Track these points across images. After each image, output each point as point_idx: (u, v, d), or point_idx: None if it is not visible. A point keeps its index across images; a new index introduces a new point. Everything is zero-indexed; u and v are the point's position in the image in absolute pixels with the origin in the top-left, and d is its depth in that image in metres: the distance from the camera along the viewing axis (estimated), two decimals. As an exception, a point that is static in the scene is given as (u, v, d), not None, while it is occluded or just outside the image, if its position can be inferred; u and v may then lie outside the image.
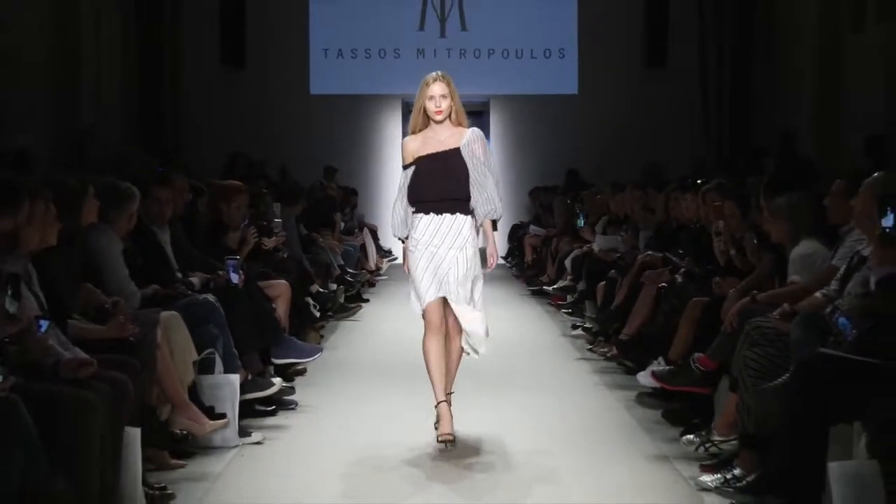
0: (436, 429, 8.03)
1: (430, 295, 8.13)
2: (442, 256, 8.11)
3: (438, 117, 8.15)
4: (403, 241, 8.47)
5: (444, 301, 8.20)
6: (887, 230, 6.35)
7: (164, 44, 21.50)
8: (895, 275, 6.19)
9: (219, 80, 22.79)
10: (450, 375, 8.29)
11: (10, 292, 5.96)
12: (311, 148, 22.18)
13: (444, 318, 8.20)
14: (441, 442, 7.85)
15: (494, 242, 8.41)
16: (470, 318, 8.26)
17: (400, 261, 8.68)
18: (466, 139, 8.17)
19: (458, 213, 8.18)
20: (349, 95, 22.96)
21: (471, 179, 8.17)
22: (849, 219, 7.46)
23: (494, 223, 8.41)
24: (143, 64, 20.87)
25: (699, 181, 11.84)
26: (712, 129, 22.40)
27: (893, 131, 14.44)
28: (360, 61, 23.38)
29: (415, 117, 8.30)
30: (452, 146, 8.16)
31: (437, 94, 8.10)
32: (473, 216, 8.30)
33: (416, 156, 8.22)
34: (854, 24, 17.59)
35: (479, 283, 8.37)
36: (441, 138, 8.19)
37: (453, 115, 8.22)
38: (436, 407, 8.07)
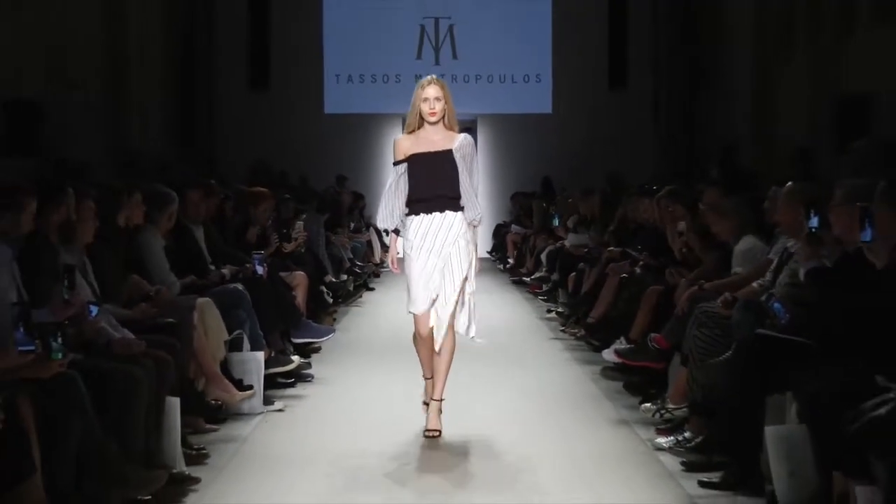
0: (425, 404, 7.59)
1: (423, 305, 7.40)
2: (434, 262, 7.36)
3: (432, 119, 7.44)
4: (387, 234, 7.82)
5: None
6: (813, 230, 6.39)
7: (200, 69, 21.51)
8: (820, 268, 6.21)
9: (247, 101, 22.78)
10: (440, 379, 7.51)
11: (66, 282, 5.97)
12: (325, 159, 22.16)
13: (431, 329, 7.49)
14: (428, 437, 7.29)
15: (476, 248, 7.63)
16: (455, 321, 7.52)
17: (401, 254, 7.56)
18: (459, 142, 7.48)
19: (448, 211, 7.46)
20: (357, 114, 22.92)
21: (461, 181, 7.47)
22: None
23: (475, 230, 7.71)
24: (182, 86, 20.87)
25: (654, 187, 11.84)
26: (664, 142, 22.46)
27: (817, 145, 14.43)
28: (366, 85, 23.35)
29: (410, 118, 7.58)
30: (444, 147, 7.46)
31: (431, 97, 7.42)
32: (464, 213, 7.55)
33: (407, 154, 7.49)
34: (783, 55, 17.60)
35: (471, 286, 7.54)
36: (434, 139, 7.47)
37: (446, 119, 7.52)
38: (425, 385, 7.64)
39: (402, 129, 7.54)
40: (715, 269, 8.36)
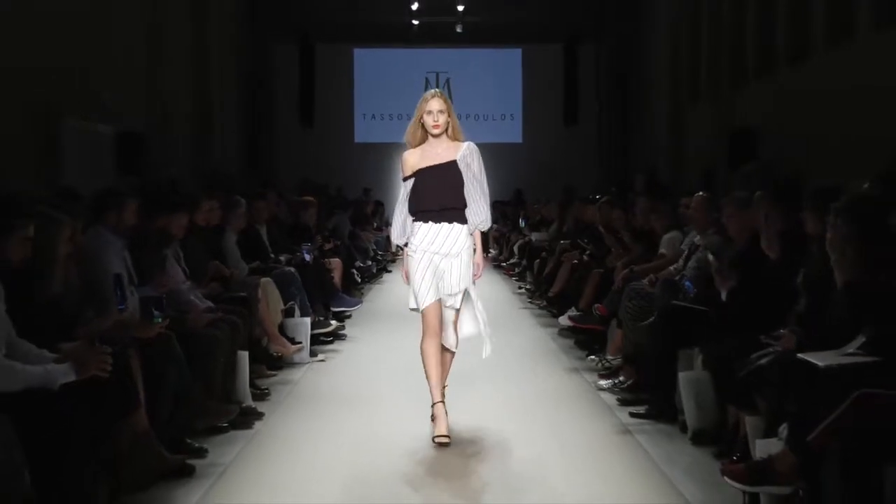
0: (432, 420, 5.87)
1: (430, 298, 5.90)
2: (438, 262, 5.91)
3: (436, 131, 5.91)
4: (402, 248, 6.19)
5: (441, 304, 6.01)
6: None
7: (263, 111, 21.56)
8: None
9: (297, 134, 22.83)
10: (444, 369, 6.05)
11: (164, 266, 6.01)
12: (355, 176, 22.15)
13: (441, 320, 5.96)
14: (437, 443, 5.60)
15: (482, 252, 6.20)
16: (462, 324, 6.09)
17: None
18: (462, 152, 5.95)
19: (455, 223, 5.91)
20: (379, 143, 22.88)
21: (465, 190, 5.94)
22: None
23: (484, 234, 6.31)
24: (249, 124, 20.91)
25: (597, 197, 11.84)
26: (604, 164, 22.53)
27: (716, 166, 14.44)
28: (385, 122, 23.34)
29: (413, 131, 6.03)
30: (449, 159, 5.93)
31: (434, 110, 5.91)
32: (468, 225, 6.01)
33: (415, 168, 5.96)
34: (691, 100, 17.60)
35: (473, 291, 6.07)
36: (438, 151, 5.95)
37: (450, 130, 6.00)
38: (432, 407, 5.85)
39: (405, 141, 6.11)
40: (640, 255, 8.40)
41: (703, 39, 16.63)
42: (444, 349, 5.99)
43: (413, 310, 6.05)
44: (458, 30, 22.62)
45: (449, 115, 5.95)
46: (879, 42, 10.35)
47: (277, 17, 21.74)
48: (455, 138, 6.01)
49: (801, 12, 12.46)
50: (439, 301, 5.91)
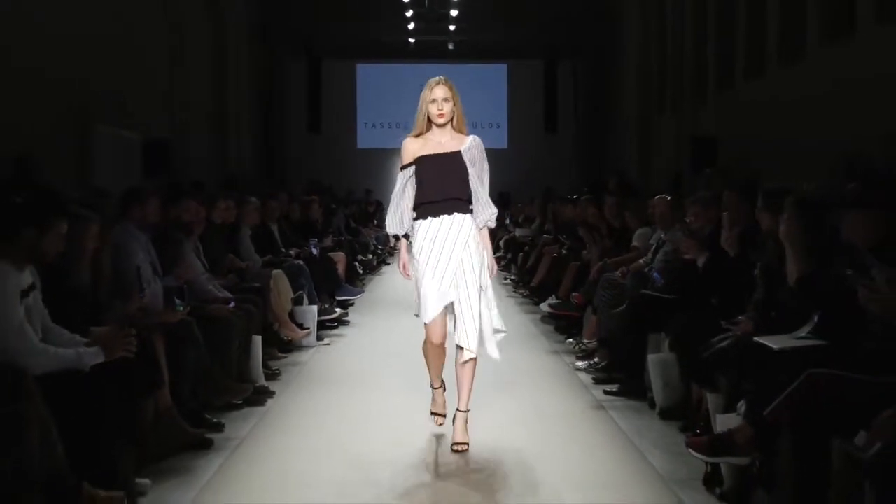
0: (433, 414, 5.26)
1: (434, 311, 4.89)
2: (445, 268, 4.91)
3: (440, 120, 4.96)
4: (397, 239, 5.19)
5: (446, 313, 4.99)
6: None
7: (275, 119, 21.55)
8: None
9: (305, 140, 22.79)
10: (465, 389, 4.97)
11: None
12: (358, 178, 22.14)
13: (445, 334, 5.00)
14: (456, 451, 4.84)
15: (491, 252, 5.26)
16: (479, 332, 4.96)
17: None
18: (468, 144, 5.01)
19: (456, 213, 4.98)
20: (379, 148, 22.87)
21: (470, 184, 5.02)
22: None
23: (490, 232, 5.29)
24: (263, 130, 20.90)
25: (574, 197, 11.83)
26: (581, 167, 22.51)
27: (681, 170, 14.42)
28: (385, 129, 23.31)
29: (418, 120, 5.04)
30: (453, 149, 4.99)
31: (439, 98, 4.95)
32: (473, 216, 5.07)
33: (416, 156, 5.00)
34: (658, 110, 17.58)
35: (490, 292, 5.10)
36: (442, 141, 5.00)
37: (455, 121, 5.04)
38: (432, 388, 5.21)
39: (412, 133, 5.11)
40: (612, 248, 8.39)
41: (669, 57, 16.63)
42: (461, 355, 4.94)
43: (418, 316, 5.07)
44: (451, 47, 22.62)
45: (454, 105, 5.01)
46: (827, 58, 10.35)
47: (288, 36, 21.75)
48: (459, 130, 5.08)
49: (756, 34, 12.46)
50: (445, 314, 4.94)
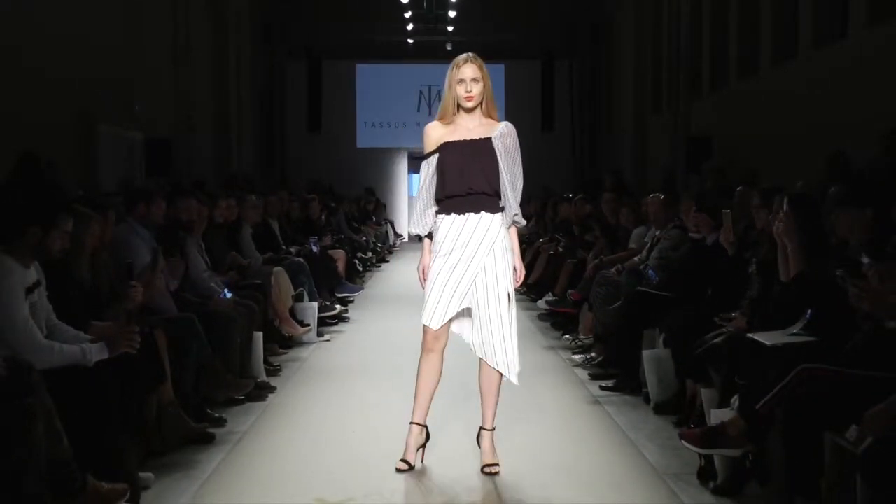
0: (403, 462, 4.39)
1: (442, 317, 4.24)
2: (463, 272, 4.21)
3: (469, 104, 4.22)
4: (420, 239, 4.47)
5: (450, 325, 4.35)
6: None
7: (276, 119, 21.57)
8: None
9: (306, 139, 22.75)
10: (489, 405, 4.39)
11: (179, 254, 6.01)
12: (358, 177, 22.12)
13: (446, 343, 4.37)
14: (487, 473, 4.31)
15: (519, 255, 4.47)
16: (502, 349, 4.33)
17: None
18: (500, 130, 4.28)
19: (483, 212, 4.22)
20: (379, 148, 22.88)
21: (501, 176, 4.24)
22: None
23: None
24: (264, 130, 20.92)
25: (571, 195, 11.84)
26: (578, 166, 22.55)
27: (675, 168, 14.45)
28: (384, 129, 23.30)
29: (446, 105, 4.27)
30: (483, 135, 4.26)
31: (467, 78, 4.21)
32: (503, 215, 4.29)
33: (440, 142, 4.26)
34: (653, 110, 17.59)
35: (513, 304, 4.35)
36: (470, 126, 4.28)
37: (484, 105, 4.29)
38: (411, 424, 4.41)
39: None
40: (608, 245, 8.40)
41: (664, 57, 16.63)
42: (486, 369, 4.37)
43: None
44: (448, 48, 22.58)
45: (485, 86, 4.29)
46: (819, 58, 10.36)
47: (289, 37, 21.76)
48: (489, 115, 4.35)
49: (750, 34, 12.47)
50: (449, 325, 4.33)
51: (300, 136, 22.68)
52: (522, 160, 4.33)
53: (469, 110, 4.29)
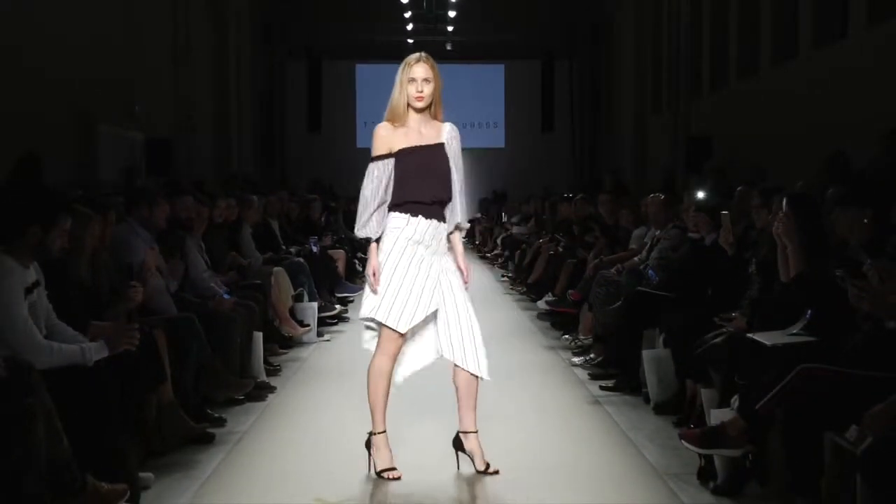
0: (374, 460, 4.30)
1: (410, 320, 4.15)
2: (427, 271, 4.16)
3: (419, 104, 4.14)
4: (367, 242, 4.27)
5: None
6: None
7: (276, 119, 21.59)
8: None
9: (306, 139, 22.81)
10: (470, 407, 4.28)
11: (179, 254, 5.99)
12: (357, 177, 21.97)
13: (397, 352, 4.31)
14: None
15: (463, 253, 4.42)
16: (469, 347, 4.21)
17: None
18: (448, 133, 4.24)
19: (440, 221, 4.23)
20: (378, 148, 22.96)
21: (453, 183, 4.25)
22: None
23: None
24: (264, 130, 20.93)
25: (570, 195, 11.84)
26: (577, 166, 22.56)
27: (678, 169, 14.44)
28: (384, 129, 23.35)
29: (396, 105, 4.21)
30: (435, 140, 4.21)
31: (419, 77, 4.12)
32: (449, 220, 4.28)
33: (394, 148, 4.18)
34: (653, 110, 17.59)
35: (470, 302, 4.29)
36: (422, 131, 4.21)
37: (433, 106, 4.21)
38: (371, 435, 4.30)
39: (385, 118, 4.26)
40: (607, 245, 8.40)
41: (664, 57, 16.63)
42: (461, 374, 4.25)
43: (369, 321, 4.28)
44: (448, 48, 22.61)
45: (435, 88, 4.18)
46: (819, 58, 10.36)
47: (289, 37, 21.77)
48: (436, 116, 4.27)
49: (750, 34, 12.47)
50: (407, 334, 4.22)
51: (300, 136, 22.71)
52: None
53: (419, 110, 4.22)
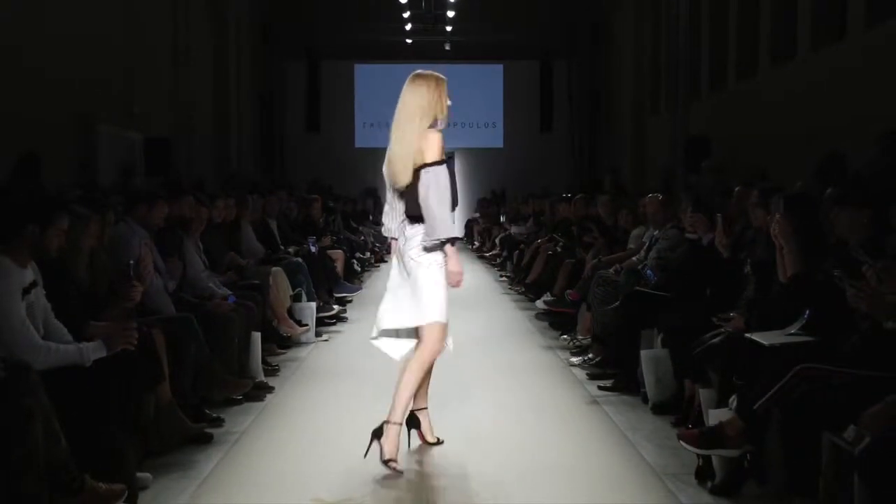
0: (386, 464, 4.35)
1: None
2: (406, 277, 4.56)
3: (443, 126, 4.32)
4: (453, 244, 4.36)
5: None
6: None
7: (275, 118, 21.59)
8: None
9: (305, 139, 22.81)
10: (422, 386, 4.56)
11: (178, 254, 5.99)
12: (356, 177, 22.13)
13: None
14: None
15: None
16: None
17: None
18: None
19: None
20: (377, 148, 22.68)
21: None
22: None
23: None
24: (263, 130, 20.94)
25: (568, 195, 11.84)
26: (575, 166, 22.55)
27: (677, 170, 14.44)
28: (383, 129, 22.98)
29: (441, 115, 4.33)
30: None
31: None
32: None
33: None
34: (651, 110, 17.59)
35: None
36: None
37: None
38: (387, 424, 4.42)
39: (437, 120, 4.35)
40: (606, 245, 8.40)
41: (662, 58, 16.63)
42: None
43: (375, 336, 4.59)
44: (447, 48, 22.63)
45: None
46: (818, 59, 10.36)
47: (288, 37, 21.76)
48: None
49: (749, 36, 12.47)
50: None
51: (299, 135, 22.72)
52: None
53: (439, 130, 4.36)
